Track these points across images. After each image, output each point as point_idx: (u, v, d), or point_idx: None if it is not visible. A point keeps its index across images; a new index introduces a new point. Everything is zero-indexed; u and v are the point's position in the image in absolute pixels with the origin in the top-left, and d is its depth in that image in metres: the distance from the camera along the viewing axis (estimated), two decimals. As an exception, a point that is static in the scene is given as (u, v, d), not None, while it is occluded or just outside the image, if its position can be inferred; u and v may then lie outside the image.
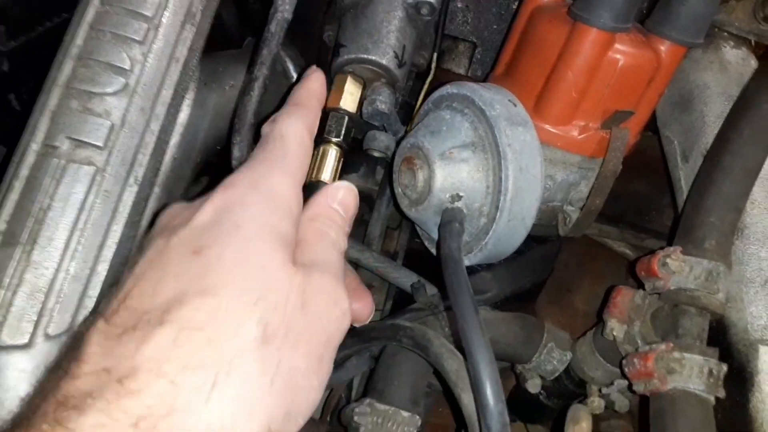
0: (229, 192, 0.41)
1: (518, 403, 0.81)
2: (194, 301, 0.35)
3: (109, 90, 0.63)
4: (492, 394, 0.46)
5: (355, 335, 0.67)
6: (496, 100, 0.60)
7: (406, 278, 0.76)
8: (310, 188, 0.67)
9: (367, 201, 0.96)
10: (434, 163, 0.60)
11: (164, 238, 0.40)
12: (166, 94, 0.67)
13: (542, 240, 0.80)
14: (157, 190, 0.75)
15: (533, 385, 0.73)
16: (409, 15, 0.76)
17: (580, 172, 0.69)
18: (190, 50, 0.70)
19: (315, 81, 0.54)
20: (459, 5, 0.89)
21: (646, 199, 0.92)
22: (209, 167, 0.84)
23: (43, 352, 0.55)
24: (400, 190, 0.66)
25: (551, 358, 0.72)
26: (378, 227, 0.88)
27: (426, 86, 0.89)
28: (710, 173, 0.61)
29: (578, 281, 0.91)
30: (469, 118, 0.61)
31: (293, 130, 0.47)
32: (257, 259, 0.37)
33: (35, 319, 0.55)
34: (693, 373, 0.54)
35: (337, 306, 0.40)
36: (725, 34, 0.75)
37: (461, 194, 0.60)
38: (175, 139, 0.78)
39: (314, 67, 0.57)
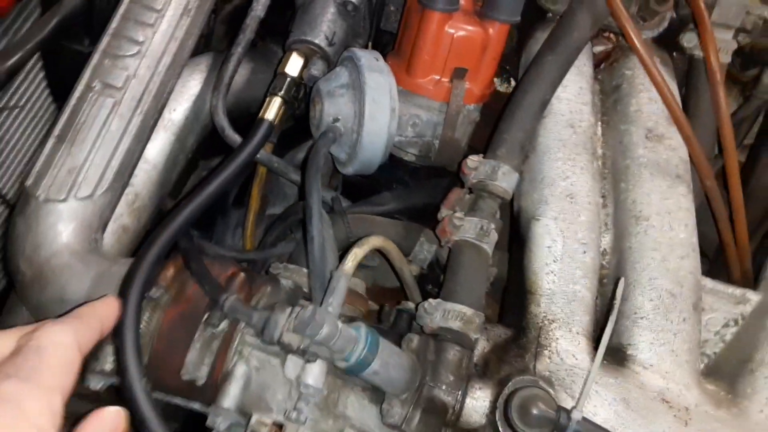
0: None
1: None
2: None
3: (128, 54, 0.99)
4: (315, 226, 0.76)
5: (278, 218, 0.99)
6: (364, 56, 0.91)
7: (327, 194, 1.07)
8: (256, 125, 1.00)
9: (324, 153, 1.28)
10: (324, 98, 0.91)
11: None
12: (166, 59, 1.02)
13: (438, 174, 1.08)
14: (172, 137, 1.10)
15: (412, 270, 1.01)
16: (339, 10, 1.08)
17: (440, 113, 0.98)
18: (185, 33, 1.05)
19: (103, 302, 0.51)
20: (392, 8, 1.21)
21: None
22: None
23: (73, 207, 0.88)
24: (311, 122, 0.97)
25: (423, 250, 0.99)
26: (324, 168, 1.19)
27: (365, 67, 1.21)
28: (509, 105, 0.89)
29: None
30: (348, 69, 0.92)
31: (56, 340, 0.41)
32: None
33: (70, 185, 0.89)
34: (470, 229, 0.81)
35: None
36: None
37: (339, 118, 0.91)
38: (187, 104, 1.14)
39: (110, 295, 0.57)
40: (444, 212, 0.90)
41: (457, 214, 0.82)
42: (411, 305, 0.91)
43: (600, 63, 1.02)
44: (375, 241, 0.80)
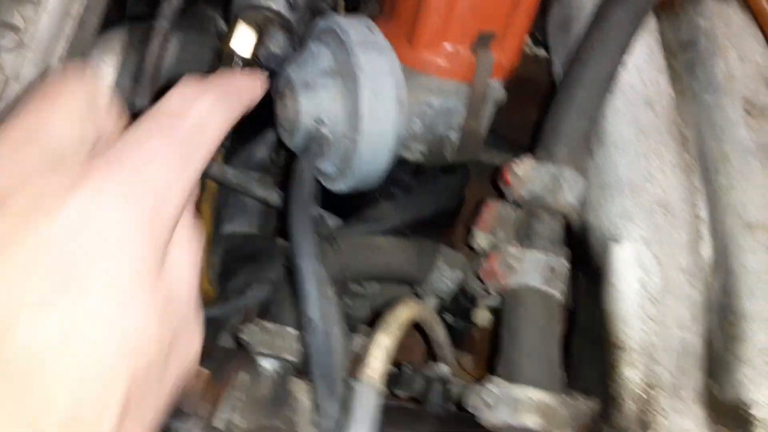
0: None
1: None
2: None
3: (4, 47, 0.68)
4: (314, 306, 0.50)
5: (245, 257, 0.72)
6: (352, 26, 0.63)
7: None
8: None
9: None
10: (298, 92, 0.63)
11: None
12: (60, 49, 0.72)
13: (449, 170, 0.83)
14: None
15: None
16: (300, -41, 0.79)
17: (458, 97, 0.72)
18: (86, 8, 0.75)
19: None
20: (366, -50, 0.92)
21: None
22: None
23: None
24: (280, 125, 0.69)
25: (443, 278, 0.75)
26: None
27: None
28: (564, 84, 0.63)
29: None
30: (330, 47, 0.64)
31: (220, 130, 0.34)
32: None
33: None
34: (532, 269, 0.57)
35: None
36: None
37: (323, 119, 0.63)
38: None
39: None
40: (481, 238, 0.65)
41: (513, 249, 0.57)
42: (444, 369, 0.67)
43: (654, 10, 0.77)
44: (404, 317, 0.54)
